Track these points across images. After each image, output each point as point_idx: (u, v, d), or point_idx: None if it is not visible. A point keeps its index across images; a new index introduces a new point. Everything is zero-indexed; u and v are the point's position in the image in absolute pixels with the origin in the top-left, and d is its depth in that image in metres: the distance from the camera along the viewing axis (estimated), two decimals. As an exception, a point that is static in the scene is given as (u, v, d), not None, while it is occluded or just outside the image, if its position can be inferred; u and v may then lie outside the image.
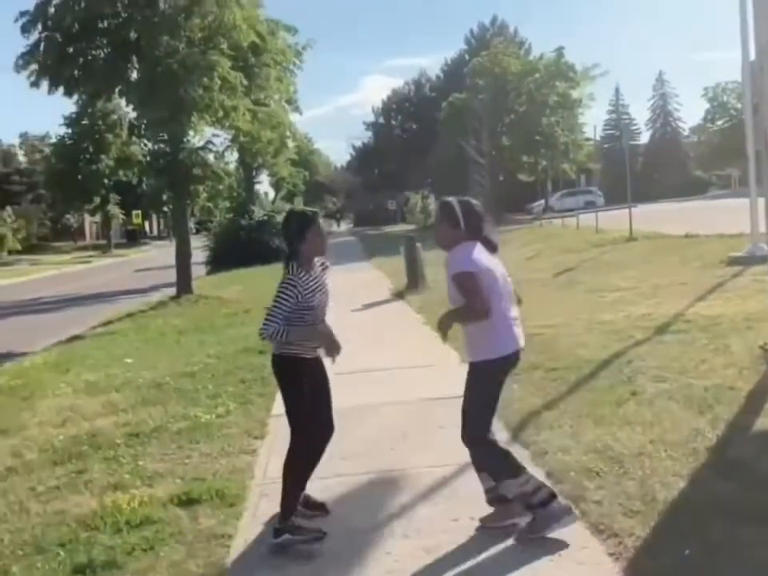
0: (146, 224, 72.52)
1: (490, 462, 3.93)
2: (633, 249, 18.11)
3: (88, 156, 55.43)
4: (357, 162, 78.55)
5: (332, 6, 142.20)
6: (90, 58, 16.70)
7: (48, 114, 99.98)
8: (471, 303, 3.76)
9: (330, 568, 3.80)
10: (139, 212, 56.53)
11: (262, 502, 4.64)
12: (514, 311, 4.02)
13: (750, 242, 13.46)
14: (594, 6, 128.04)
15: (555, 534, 3.78)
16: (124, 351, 10.90)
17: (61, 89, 16.65)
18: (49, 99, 32.26)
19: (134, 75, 17.28)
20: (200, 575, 3.82)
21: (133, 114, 20.71)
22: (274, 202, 41.30)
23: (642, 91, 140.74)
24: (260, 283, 16.91)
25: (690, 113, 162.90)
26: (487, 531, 3.95)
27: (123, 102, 19.93)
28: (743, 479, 4.23)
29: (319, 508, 4.36)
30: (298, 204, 42.90)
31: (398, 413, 6.32)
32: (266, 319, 4.00)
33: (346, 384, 6.70)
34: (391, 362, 8.34)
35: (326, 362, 4.37)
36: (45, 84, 16.47)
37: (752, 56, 10.43)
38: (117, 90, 17.46)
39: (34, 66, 16.35)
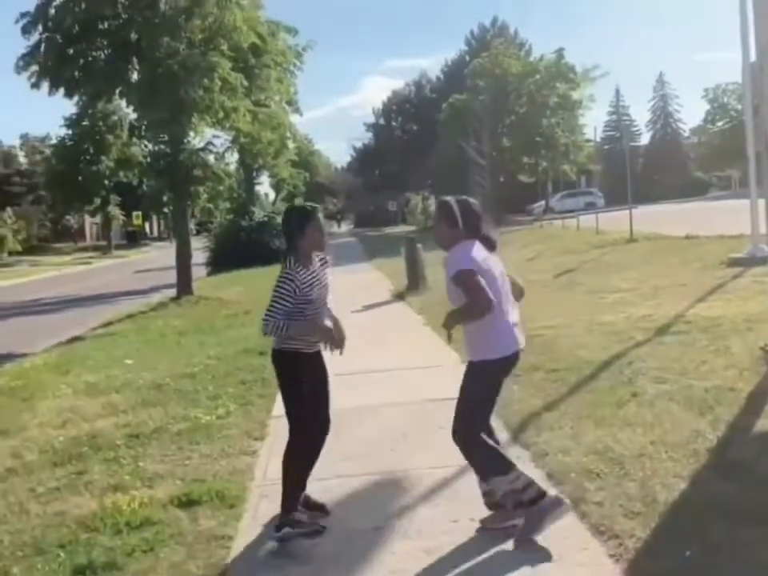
0: (147, 225, 72.54)
1: (479, 460, 3.94)
2: (633, 250, 18.10)
3: (88, 157, 55.49)
4: (357, 163, 78.56)
5: (332, 8, 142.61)
6: (90, 59, 16.70)
7: (48, 115, 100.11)
8: (475, 299, 3.76)
9: (330, 569, 3.80)
10: (139, 213, 56.55)
11: (262, 503, 4.64)
12: (514, 311, 4.02)
13: (751, 243, 13.45)
14: (594, 7, 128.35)
15: (555, 536, 3.78)
16: (124, 352, 10.90)
17: (61, 90, 16.65)
18: (49, 100, 32.32)
19: (135, 76, 17.29)
20: (200, 576, 3.82)
21: (133, 115, 20.78)
22: (274, 203, 41.21)
23: (643, 92, 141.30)
24: (260, 284, 16.90)
25: (691, 114, 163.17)
26: (487, 532, 3.95)
27: (124, 103, 19.95)
28: (744, 480, 4.22)
29: (319, 509, 4.35)
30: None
31: (399, 414, 6.32)
32: (266, 315, 4.03)
33: (347, 385, 6.70)
34: (392, 363, 8.34)
35: (328, 361, 4.39)
36: (45, 85, 16.48)
37: (752, 57, 10.44)
38: (117, 91, 17.48)
39: (34, 68, 16.35)
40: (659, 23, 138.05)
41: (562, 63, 47.36)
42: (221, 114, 16.89)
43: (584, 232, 25.44)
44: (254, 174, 37.42)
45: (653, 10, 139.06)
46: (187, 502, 4.65)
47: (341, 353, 4.23)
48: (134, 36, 16.70)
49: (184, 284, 18.02)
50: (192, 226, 26.70)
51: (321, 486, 4.54)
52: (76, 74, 16.51)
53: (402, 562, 3.77)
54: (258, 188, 42.47)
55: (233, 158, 23.51)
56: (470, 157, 50.13)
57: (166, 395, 7.60)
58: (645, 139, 73.47)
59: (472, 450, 3.93)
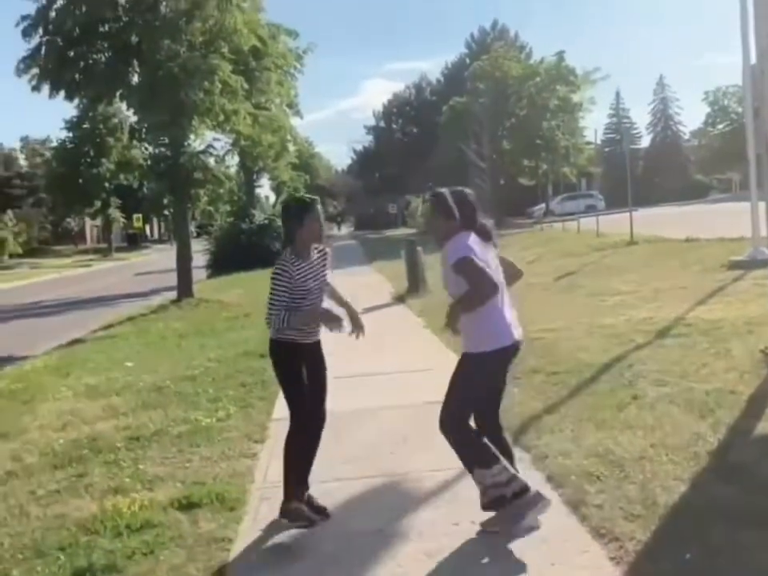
0: (147, 227, 72.60)
1: (464, 450, 3.95)
2: (633, 253, 18.11)
3: (89, 160, 55.56)
4: (358, 166, 78.64)
5: (333, 10, 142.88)
6: (90, 61, 16.73)
7: (49, 117, 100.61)
8: (478, 284, 3.75)
9: (330, 571, 3.79)
10: (140, 215, 56.53)
11: (263, 505, 4.63)
12: (510, 304, 4.02)
13: (751, 246, 13.46)
14: (595, 10, 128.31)
15: (555, 538, 3.78)
16: (125, 355, 10.90)
17: (62, 93, 16.68)
18: (50, 103, 32.40)
19: (135, 79, 17.33)
20: (200, 579, 3.82)
21: (134, 118, 20.81)
22: (274, 205, 41.28)
23: (643, 95, 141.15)
24: (260, 287, 16.80)
25: (691, 117, 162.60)
26: (488, 535, 3.95)
27: (124, 105, 20.01)
28: (744, 483, 4.22)
29: (320, 512, 4.36)
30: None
31: (399, 416, 6.31)
32: (268, 312, 4.11)
33: (346, 388, 6.70)
34: (392, 365, 8.34)
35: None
36: (46, 88, 16.51)
37: (753, 60, 10.46)
38: (118, 93, 17.51)
39: (35, 70, 16.38)
40: (659, 26, 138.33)
41: (562, 66, 47.42)
42: (221, 117, 16.91)
43: (584, 235, 25.46)
44: (255, 176, 37.45)
45: (653, 13, 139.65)
46: (187, 505, 4.65)
47: (357, 336, 4.38)
48: (134, 39, 16.73)
49: (184, 286, 18.02)
50: (192, 228, 26.75)
51: (321, 488, 4.54)
52: (76, 76, 16.54)
53: (403, 564, 3.76)
54: (258, 191, 42.54)
55: (233, 160, 23.60)
56: (470, 159, 50.23)
57: (167, 398, 7.59)
58: (645, 142, 73.51)
59: (458, 439, 3.94)
